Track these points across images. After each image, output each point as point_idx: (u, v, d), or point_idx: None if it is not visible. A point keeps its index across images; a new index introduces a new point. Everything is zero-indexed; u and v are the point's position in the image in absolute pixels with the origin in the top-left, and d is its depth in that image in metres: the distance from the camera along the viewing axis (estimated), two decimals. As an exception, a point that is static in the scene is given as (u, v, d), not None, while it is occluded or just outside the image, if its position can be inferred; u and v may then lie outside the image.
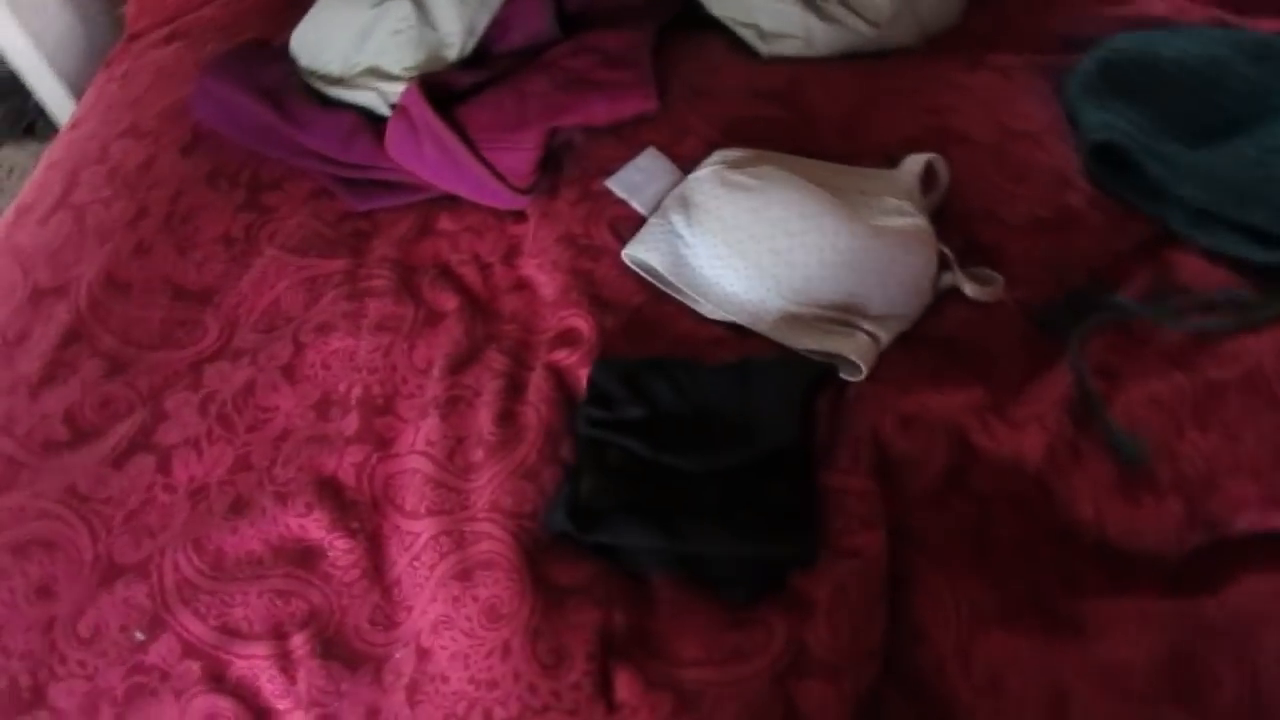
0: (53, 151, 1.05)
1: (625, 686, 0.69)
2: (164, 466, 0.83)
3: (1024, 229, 0.88)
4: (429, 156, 0.97)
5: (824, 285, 0.83)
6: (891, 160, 0.92)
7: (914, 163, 0.90)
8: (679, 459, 0.77)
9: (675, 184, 0.92)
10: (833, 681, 0.69)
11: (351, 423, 0.86)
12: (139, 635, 0.76)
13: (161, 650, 0.75)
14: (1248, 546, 0.74)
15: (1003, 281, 0.85)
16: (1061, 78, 0.98)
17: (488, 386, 0.86)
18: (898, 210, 0.86)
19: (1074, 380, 0.81)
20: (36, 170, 1.04)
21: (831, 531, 0.75)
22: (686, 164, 0.95)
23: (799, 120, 0.97)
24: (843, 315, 0.84)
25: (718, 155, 0.91)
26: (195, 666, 0.75)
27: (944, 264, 0.86)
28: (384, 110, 1.02)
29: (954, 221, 0.90)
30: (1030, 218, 0.89)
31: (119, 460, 0.84)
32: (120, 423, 0.85)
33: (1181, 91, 0.93)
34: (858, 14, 1.00)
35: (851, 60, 1.02)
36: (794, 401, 0.79)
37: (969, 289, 0.85)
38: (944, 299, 0.86)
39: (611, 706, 0.69)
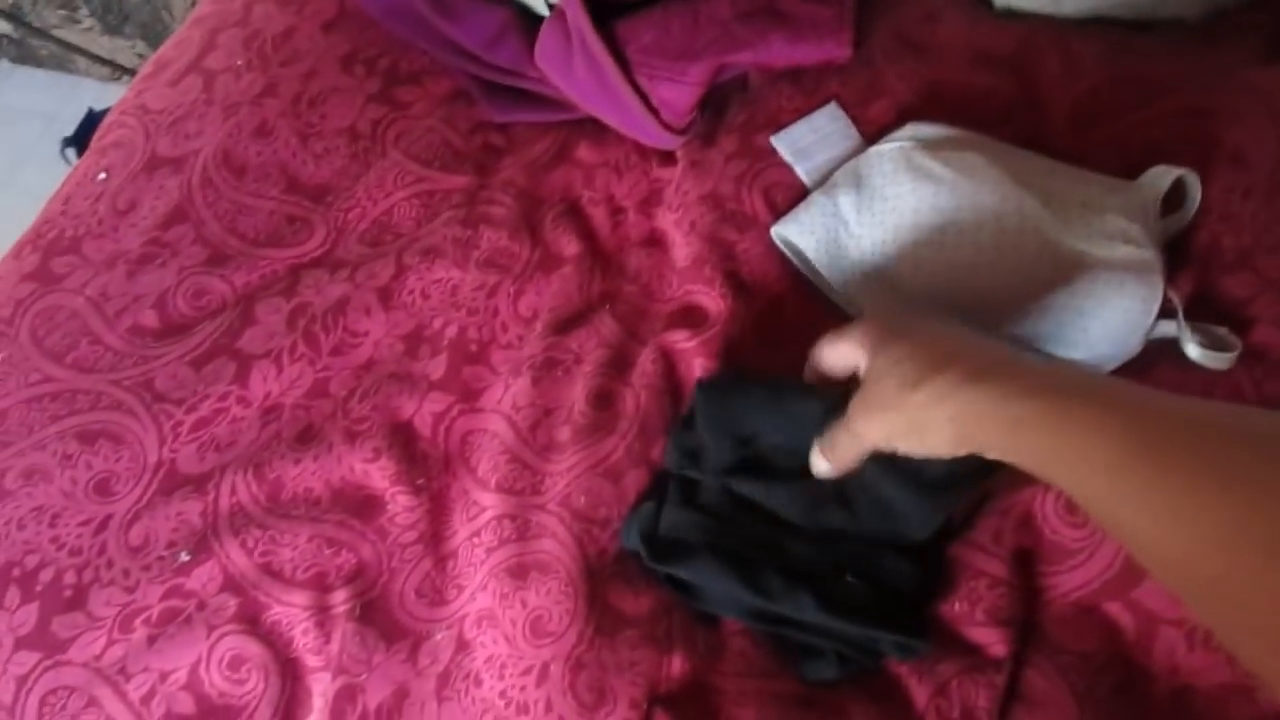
0: (202, 6, 0.99)
1: (667, 747, 0.60)
2: (242, 377, 0.78)
3: (1286, 288, 0.69)
4: (579, 73, 0.84)
5: (1007, 314, 0.68)
6: (1131, 166, 0.73)
7: (1160, 177, 0.71)
8: (781, 504, 0.65)
9: (852, 154, 0.77)
10: (911, 800, 0.58)
11: (439, 365, 0.78)
12: (184, 555, 0.72)
13: (203, 577, 0.72)
14: None
15: (1240, 349, 0.67)
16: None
17: (591, 355, 0.76)
18: (1122, 235, 0.68)
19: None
20: (184, 25, 0.98)
21: (949, 616, 0.63)
22: (873, 131, 0.79)
23: (1024, 98, 0.79)
24: (1022, 350, 0.68)
25: (910, 129, 0.74)
26: (233, 602, 0.71)
27: (1167, 310, 0.68)
28: (542, 10, 0.90)
29: (1195, 260, 0.71)
30: (1297, 274, 0.69)
31: (200, 360, 0.79)
32: (209, 320, 0.81)
33: None
34: (1128, -31, 0.79)
35: (1106, 28, 0.81)
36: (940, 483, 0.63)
37: (1193, 350, 0.67)
38: (1157, 353, 0.69)
39: (647, 765, 0.61)
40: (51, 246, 0.85)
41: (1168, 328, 0.68)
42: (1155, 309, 0.67)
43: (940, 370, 0.50)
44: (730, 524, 0.65)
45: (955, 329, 0.55)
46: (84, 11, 1.73)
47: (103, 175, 0.87)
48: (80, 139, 1.65)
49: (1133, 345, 0.69)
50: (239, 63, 0.91)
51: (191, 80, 0.91)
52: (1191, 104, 0.75)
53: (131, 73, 1.87)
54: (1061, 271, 0.66)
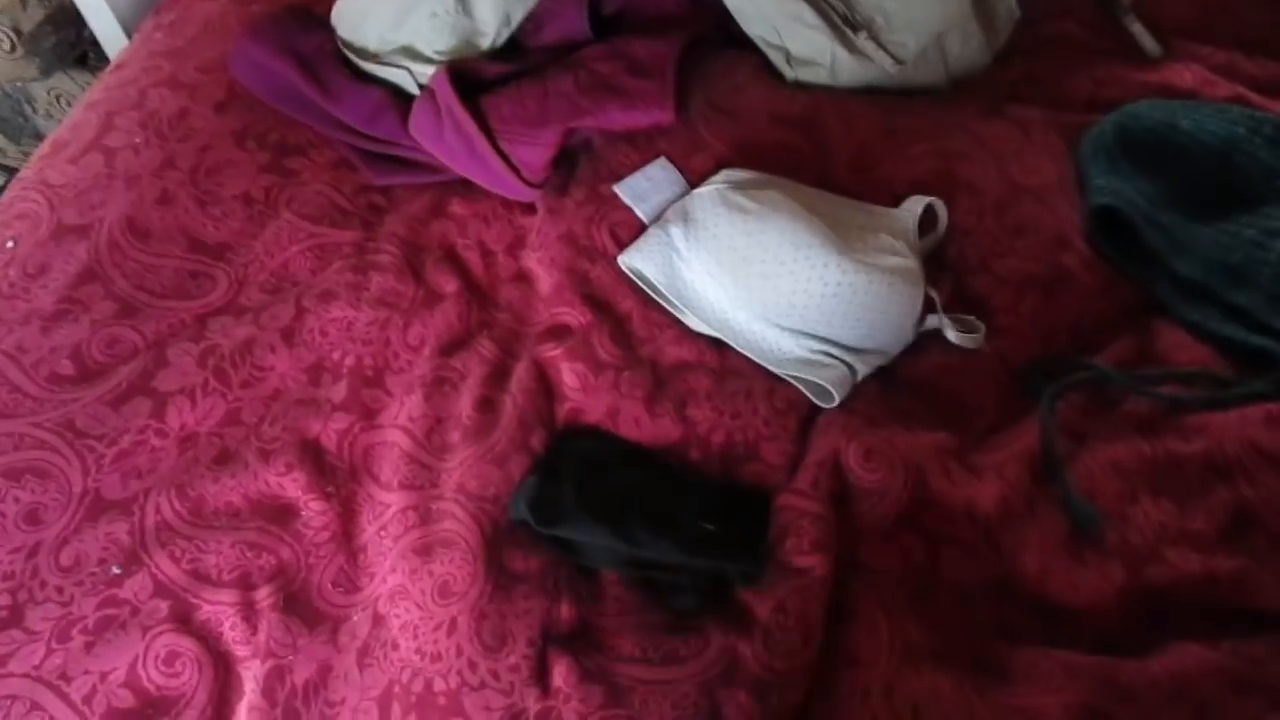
0: (93, 92, 1.09)
1: (561, 674, 0.73)
2: (158, 412, 0.87)
3: (1015, 283, 0.90)
4: (449, 140, 0.99)
5: (807, 314, 0.85)
6: (897, 198, 0.94)
7: (915, 204, 0.91)
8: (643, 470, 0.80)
9: (680, 196, 0.95)
10: (760, 696, 0.72)
11: (340, 390, 0.89)
12: (115, 569, 0.80)
13: (135, 586, 0.79)
14: (1185, 618, 0.76)
15: (985, 331, 0.86)
16: (1078, 137, 0.99)
17: (474, 372, 0.89)
18: (891, 249, 0.87)
19: (1041, 437, 0.82)
20: (75, 109, 1.08)
21: (781, 550, 0.78)
22: (696, 178, 0.97)
23: (813, 148, 0.99)
24: (822, 344, 0.86)
25: (724, 174, 0.93)
26: (164, 606, 0.79)
27: (930, 307, 0.88)
28: (413, 89, 1.05)
29: (948, 267, 0.92)
30: (1022, 273, 0.90)
31: (117, 401, 0.87)
32: (123, 365, 0.89)
33: (1193, 164, 0.93)
34: (885, 50, 1.01)
35: (874, 95, 1.03)
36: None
37: (951, 335, 0.86)
38: (926, 341, 0.88)
39: (545, 691, 0.73)
40: (-38, 310, 0.92)
41: (933, 320, 0.88)
42: (920, 305, 0.87)
43: None
44: (602, 483, 0.79)
45: None
46: (-61, 106, 1.76)
47: (10, 243, 0.95)
48: (-57, 229, 1.66)
49: (907, 335, 0.88)
50: (137, 140, 1.02)
51: (92, 157, 1.01)
52: (938, 148, 0.97)
53: (-15, 165, 1.89)
54: (845, 278, 0.84)
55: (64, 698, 0.75)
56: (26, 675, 0.76)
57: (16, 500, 0.83)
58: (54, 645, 0.77)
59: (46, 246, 0.95)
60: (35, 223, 0.97)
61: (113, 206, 0.97)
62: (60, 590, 0.79)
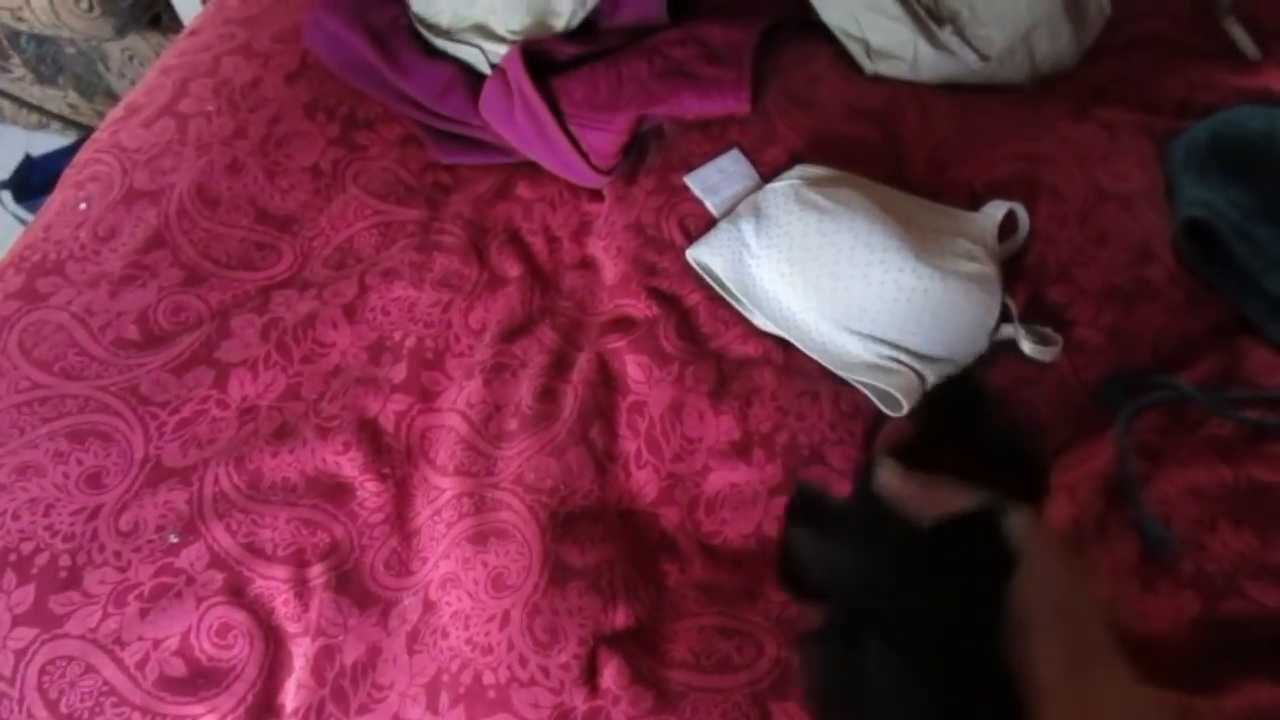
0: (167, 57, 1.09)
1: (611, 675, 0.72)
2: (220, 382, 0.88)
3: (1095, 294, 0.86)
4: (519, 121, 0.98)
5: (878, 318, 0.83)
6: (975, 200, 0.91)
7: (995, 209, 0.88)
8: None
9: (752, 190, 0.92)
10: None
11: (400, 371, 0.89)
12: (173, 537, 0.81)
13: (190, 556, 0.80)
14: (1259, 654, 0.73)
15: (1061, 344, 0.83)
16: (1168, 143, 0.95)
17: (534, 360, 0.88)
18: (968, 254, 0.84)
19: (1115, 456, 0.80)
20: (150, 73, 1.08)
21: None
22: (768, 171, 0.94)
23: (890, 145, 0.96)
24: (891, 349, 0.84)
25: (799, 169, 0.90)
26: (219, 577, 0.79)
27: (1005, 316, 0.85)
28: (484, 68, 1.03)
29: (1027, 275, 0.89)
30: (1104, 284, 0.87)
31: (180, 369, 0.88)
32: (187, 333, 0.90)
33: (1291, 177, 0.89)
34: (969, 44, 0.97)
35: (955, 91, 1.00)
36: None
37: (1026, 346, 0.84)
38: (999, 351, 0.85)
39: (594, 691, 0.72)
40: (36, 269, 0.92)
41: (1007, 330, 0.85)
42: (996, 314, 0.84)
43: None
44: None
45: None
46: (15, 61, 1.78)
47: (83, 205, 0.96)
48: (17, 184, 1.69)
49: (980, 344, 0.85)
50: (210, 108, 1.01)
51: (165, 122, 1.01)
52: (1020, 150, 0.94)
53: (59, 119, 1.92)
54: (920, 283, 0.82)
55: (118, 662, 0.76)
56: (83, 637, 0.77)
57: (79, 462, 0.83)
58: (110, 609, 0.78)
59: (117, 210, 0.95)
60: (108, 185, 0.97)
61: (183, 173, 0.97)
62: (118, 555, 0.80)
